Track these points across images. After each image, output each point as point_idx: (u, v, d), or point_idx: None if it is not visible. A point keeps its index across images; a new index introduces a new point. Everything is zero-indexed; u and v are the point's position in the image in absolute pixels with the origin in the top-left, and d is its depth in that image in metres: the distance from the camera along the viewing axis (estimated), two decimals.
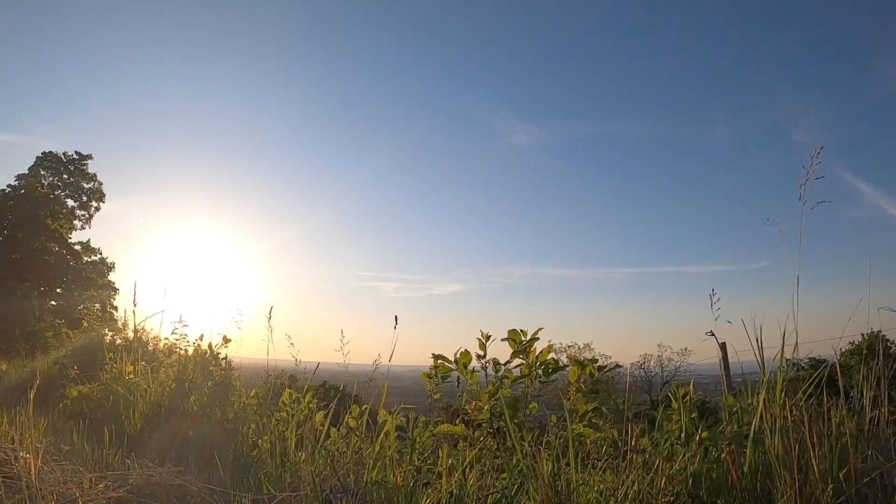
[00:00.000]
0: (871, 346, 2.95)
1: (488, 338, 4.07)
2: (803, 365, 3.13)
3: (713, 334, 3.38)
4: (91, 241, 38.81)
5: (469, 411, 4.02)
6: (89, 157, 38.81)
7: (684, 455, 2.90)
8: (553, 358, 3.92)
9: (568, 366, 3.97)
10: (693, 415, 3.11)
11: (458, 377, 4.16)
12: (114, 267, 39.04)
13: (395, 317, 3.98)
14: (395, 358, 4.03)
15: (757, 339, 2.92)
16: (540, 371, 3.89)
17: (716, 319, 3.08)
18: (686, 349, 36.76)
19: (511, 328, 3.98)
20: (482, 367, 4.11)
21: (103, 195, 39.31)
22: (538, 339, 3.91)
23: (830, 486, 2.41)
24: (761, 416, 2.74)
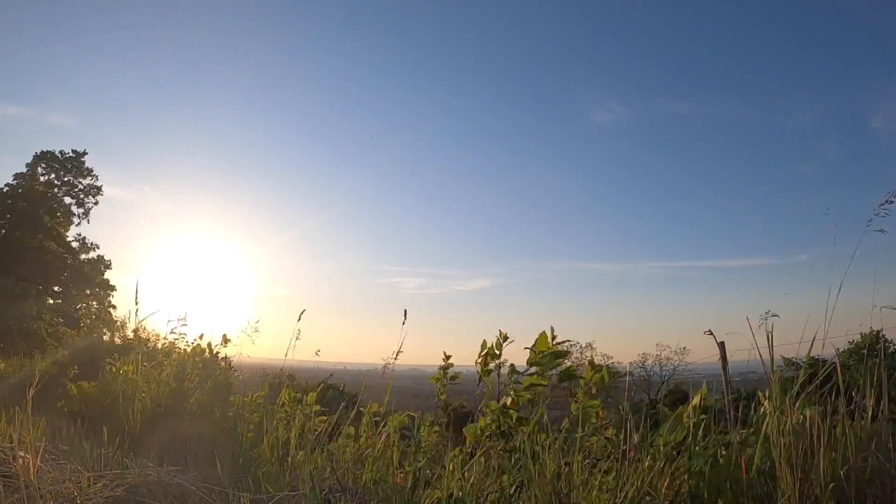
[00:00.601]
0: (871, 346, 2.96)
1: (506, 338, 4.03)
2: (802, 364, 3.13)
3: (712, 333, 3.39)
4: (87, 238, 38.83)
5: (487, 411, 3.99)
6: (85, 153, 38.84)
7: (690, 455, 2.90)
8: (570, 364, 3.90)
9: (580, 375, 3.94)
10: (703, 416, 3.11)
11: (480, 379, 4.13)
12: (111, 265, 39.03)
13: (405, 311, 3.97)
14: (396, 358, 4.03)
15: (767, 337, 2.92)
16: (555, 379, 3.87)
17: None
18: (685, 348, 36.81)
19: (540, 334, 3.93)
20: (496, 368, 4.09)
21: (100, 190, 39.30)
22: (569, 353, 3.87)
23: (831, 485, 2.41)
24: (767, 416, 2.74)
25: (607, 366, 3.95)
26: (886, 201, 2.94)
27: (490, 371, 4.04)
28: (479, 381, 4.11)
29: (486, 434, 3.82)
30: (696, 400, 3.19)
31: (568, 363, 3.92)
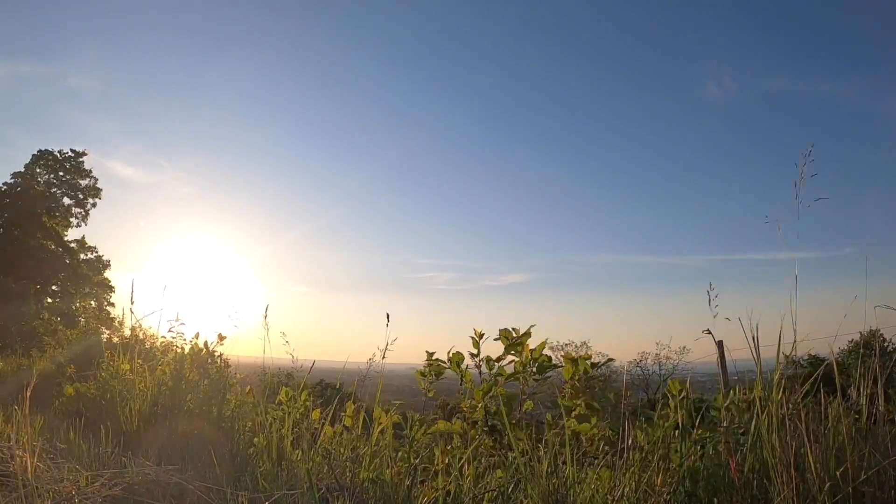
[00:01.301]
0: (868, 344, 2.96)
1: (482, 335, 4.07)
2: (802, 363, 3.13)
3: (710, 332, 3.39)
4: (86, 238, 38.88)
5: (465, 409, 4.02)
6: (84, 153, 38.89)
7: (679, 451, 2.90)
8: (546, 355, 3.92)
9: (559, 365, 3.97)
10: (685, 411, 3.11)
11: (461, 376, 4.16)
12: (109, 264, 39.08)
13: (387, 314, 3.98)
14: (391, 356, 4.03)
15: (753, 337, 2.92)
16: (534, 369, 3.90)
17: (714, 316, 3.07)
18: (684, 348, 36.74)
19: (503, 328, 3.98)
20: (476, 366, 4.11)
21: (99, 191, 39.36)
22: (530, 335, 3.90)
23: (828, 483, 2.41)
24: (758, 414, 2.75)
25: (587, 359, 3.94)
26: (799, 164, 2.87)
27: (468, 370, 4.08)
28: (462, 381, 4.15)
29: (475, 430, 3.84)
30: (679, 395, 3.19)
31: (549, 355, 3.94)
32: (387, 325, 3.97)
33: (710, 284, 3.07)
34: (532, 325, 3.90)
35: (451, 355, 4.11)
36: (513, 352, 3.94)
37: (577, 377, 3.78)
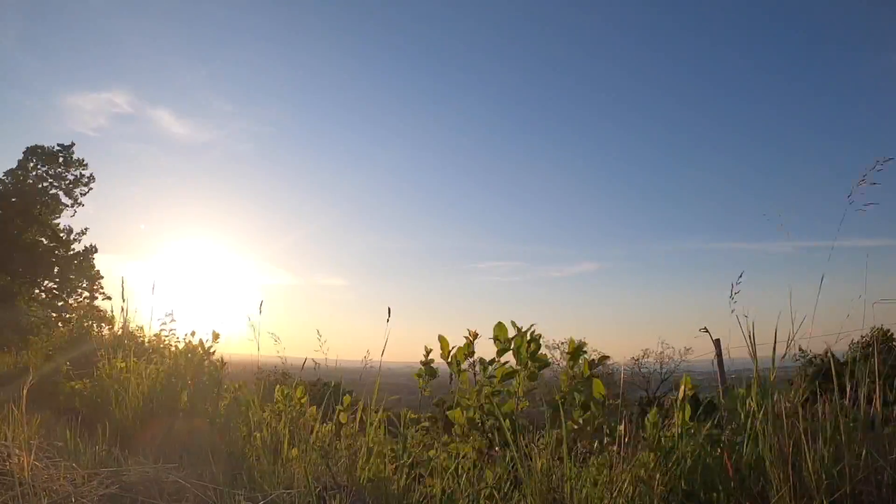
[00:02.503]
0: (873, 343, 2.97)
1: (476, 336, 4.06)
2: (801, 361, 3.14)
3: (707, 330, 3.39)
4: (78, 226, 38.78)
5: (462, 405, 4.02)
6: (72, 145, 38.86)
7: (678, 449, 2.91)
8: (542, 354, 3.91)
9: (553, 362, 3.97)
10: (687, 410, 3.12)
11: (451, 375, 4.15)
12: (97, 249, 38.81)
13: (389, 309, 3.97)
14: (390, 354, 4.02)
15: (750, 335, 2.92)
16: (529, 366, 3.89)
17: (732, 312, 3.02)
18: (687, 348, 36.67)
19: (497, 323, 3.96)
20: (470, 367, 4.11)
21: (92, 178, 39.21)
22: (525, 335, 3.89)
23: (825, 482, 2.42)
24: (754, 413, 2.75)
25: (585, 355, 3.94)
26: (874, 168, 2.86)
27: (463, 370, 4.07)
28: (451, 381, 4.14)
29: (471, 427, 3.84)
30: (680, 393, 3.20)
31: (545, 353, 3.93)
32: (387, 320, 3.95)
33: (741, 275, 3.04)
34: (531, 325, 3.90)
35: (450, 356, 4.09)
36: (507, 353, 3.92)
37: (574, 372, 3.78)
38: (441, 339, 4.11)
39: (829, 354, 3.02)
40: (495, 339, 3.93)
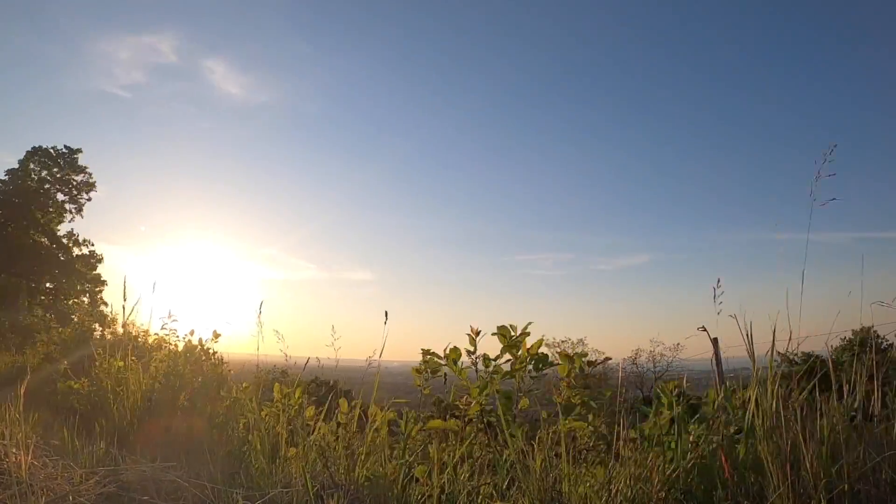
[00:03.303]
0: (864, 342, 2.96)
1: (478, 333, 4.06)
2: (796, 360, 3.14)
3: (705, 329, 3.39)
4: (80, 233, 38.79)
5: (460, 406, 4.02)
6: (79, 150, 38.80)
7: (675, 448, 2.90)
8: (543, 353, 3.92)
9: (556, 362, 3.97)
10: (680, 408, 3.11)
11: (446, 373, 4.16)
12: (102, 259, 38.95)
13: (385, 312, 3.97)
14: (388, 353, 4.02)
15: (747, 334, 2.92)
16: (531, 366, 3.90)
17: (718, 313, 3.04)
18: (678, 345, 36.75)
19: (500, 325, 3.97)
20: (472, 363, 4.11)
21: (93, 186, 39.24)
22: (528, 334, 3.90)
23: (823, 481, 2.42)
24: (753, 412, 2.75)
25: (583, 352, 3.95)
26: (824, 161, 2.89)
27: (464, 368, 4.07)
28: (445, 381, 4.15)
29: (471, 427, 3.84)
30: (671, 387, 3.20)
31: (546, 350, 3.94)
32: (384, 322, 3.96)
33: (718, 280, 3.05)
34: (529, 323, 3.90)
35: (447, 352, 4.10)
36: (511, 350, 3.93)
37: (573, 374, 3.78)
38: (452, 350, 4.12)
39: (811, 355, 3.01)
40: (500, 337, 3.94)
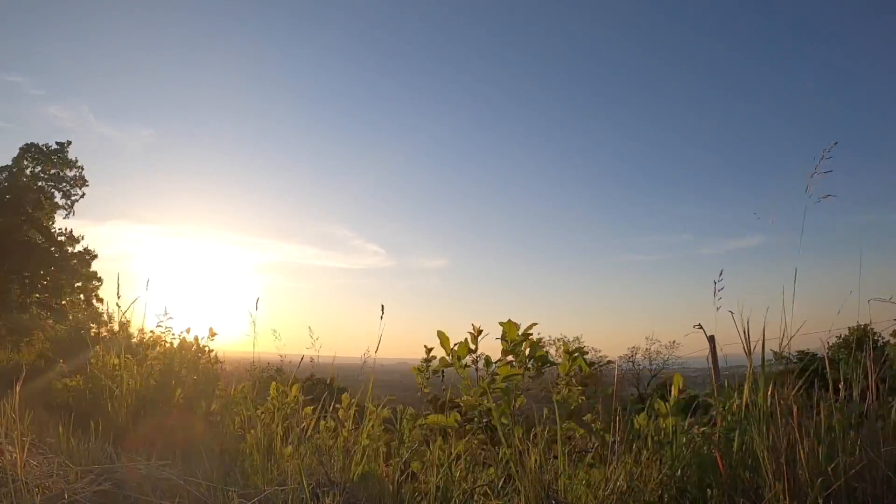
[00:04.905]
0: (860, 340, 2.97)
1: (480, 332, 4.05)
2: (792, 358, 3.14)
3: (701, 327, 3.39)
4: (73, 230, 38.67)
5: (461, 403, 4.01)
6: (69, 143, 38.70)
7: (672, 446, 2.91)
8: (545, 352, 3.91)
9: (556, 362, 3.96)
10: (677, 407, 3.12)
11: (443, 371, 4.14)
12: (96, 256, 38.81)
13: (382, 306, 3.95)
14: (382, 350, 4.01)
15: (744, 331, 2.92)
16: (531, 366, 3.89)
17: (717, 309, 3.04)
18: (674, 342, 36.86)
19: (504, 321, 3.96)
20: (473, 363, 4.10)
21: (85, 181, 39.09)
22: (531, 334, 3.89)
23: (819, 478, 2.42)
24: (748, 409, 2.76)
25: (582, 350, 3.95)
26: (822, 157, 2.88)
27: (466, 366, 4.06)
28: (442, 379, 4.13)
29: (470, 426, 3.84)
30: (674, 391, 3.21)
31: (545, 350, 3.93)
32: (381, 317, 3.94)
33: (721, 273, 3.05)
34: (533, 324, 3.89)
35: (452, 350, 4.08)
36: (513, 353, 3.92)
37: (572, 373, 3.78)
38: (440, 334, 4.10)
39: (825, 349, 3.01)
40: (503, 339, 3.92)
